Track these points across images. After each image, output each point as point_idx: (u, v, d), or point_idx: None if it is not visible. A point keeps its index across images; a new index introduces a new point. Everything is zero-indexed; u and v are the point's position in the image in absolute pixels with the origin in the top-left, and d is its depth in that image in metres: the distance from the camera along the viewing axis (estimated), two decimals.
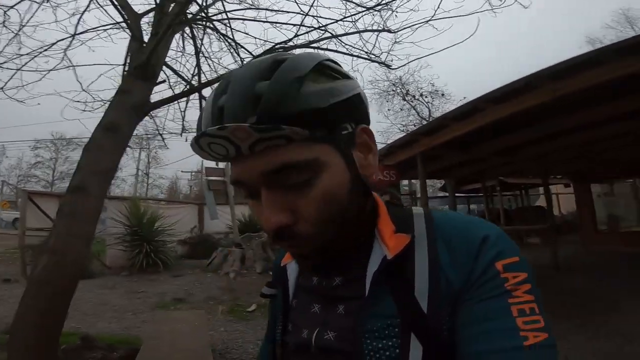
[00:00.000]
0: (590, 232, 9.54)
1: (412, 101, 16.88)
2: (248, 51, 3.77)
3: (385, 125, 18.70)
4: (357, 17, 3.29)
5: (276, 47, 3.24)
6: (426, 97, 16.79)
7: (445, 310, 0.44)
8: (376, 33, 3.51)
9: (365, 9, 3.18)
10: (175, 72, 3.83)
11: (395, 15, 3.75)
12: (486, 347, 0.40)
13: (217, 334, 4.10)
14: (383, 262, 0.47)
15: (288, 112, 0.40)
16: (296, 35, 3.15)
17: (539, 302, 0.42)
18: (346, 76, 0.48)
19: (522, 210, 13.58)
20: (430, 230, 0.49)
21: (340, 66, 0.49)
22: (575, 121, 4.52)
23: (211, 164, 9.05)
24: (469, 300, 0.43)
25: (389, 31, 3.51)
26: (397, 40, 3.64)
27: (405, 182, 12.46)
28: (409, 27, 3.33)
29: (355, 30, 3.38)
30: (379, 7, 3.24)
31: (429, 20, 3.21)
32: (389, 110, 17.75)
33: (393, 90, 16.60)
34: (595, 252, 8.46)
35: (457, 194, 14.89)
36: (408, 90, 16.60)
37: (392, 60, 3.73)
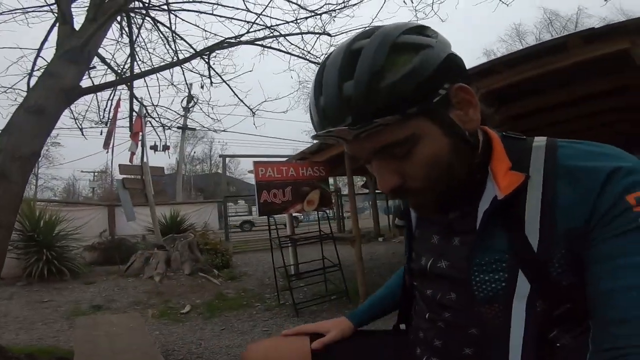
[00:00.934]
0: None
1: None
2: (188, 43, 3.69)
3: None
4: (300, 20, 3.50)
5: (224, 41, 3.25)
6: None
7: (558, 249, 0.44)
8: (317, 35, 3.76)
9: (311, 12, 3.39)
10: (103, 60, 3.55)
11: (333, 20, 4.05)
12: (620, 283, 0.39)
13: (153, 337, 3.86)
14: (494, 202, 0.49)
15: (377, 107, 0.44)
16: (248, 32, 3.21)
17: None
18: (426, 46, 0.47)
19: None
20: (550, 165, 0.47)
21: (418, 33, 0.49)
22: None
23: (125, 161, 8.31)
24: (599, 236, 0.42)
25: (328, 34, 3.78)
26: (334, 44, 3.94)
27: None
28: (345, 32, 3.65)
29: (299, 31, 3.57)
30: (322, 12, 3.48)
31: (366, 27, 3.57)
32: None
33: None
34: None
35: (377, 191, 16.01)
36: None
37: None
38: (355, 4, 3.39)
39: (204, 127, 5.75)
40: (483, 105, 0.55)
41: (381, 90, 0.44)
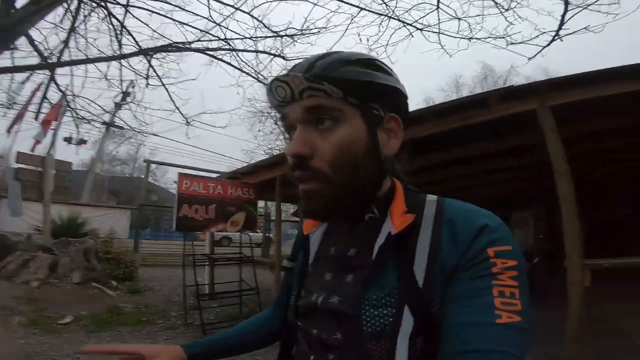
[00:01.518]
0: None
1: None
2: (135, 40, 3.47)
3: (253, 145, 18.41)
4: (258, 38, 3.56)
5: (172, 45, 3.14)
6: None
7: (439, 286, 0.49)
8: (271, 57, 3.83)
9: (274, 33, 3.46)
10: (32, 42, 3.17)
11: (294, 44, 4.16)
12: (465, 319, 0.45)
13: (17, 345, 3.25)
14: (388, 237, 0.54)
15: (329, 76, 0.53)
16: (199, 40, 3.15)
17: (522, 290, 0.46)
18: (388, 72, 0.58)
19: None
20: (439, 214, 0.54)
21: (388, 67, 0.60)
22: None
23: (25, 149, 7.31)
24: (459, 278, 0.48)
25: (283, 58, 3.87)
26: (287, 67, 4.03)
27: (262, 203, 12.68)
28: (302, 58, 3.78)
29: (255, 49, 3.61)
30: (285, 34, 3.57)
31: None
32: (259, 131, 17.62)
33: (268, 113, 16.30)
34: None
35: None
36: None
37: None
38: (317, 31, 3.54)
39: (131, 127, 5.32)
40: (401, 156, 0.64)
41: (341, 70, 0.54)
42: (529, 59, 3.93)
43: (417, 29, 3.90)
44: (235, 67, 3.76)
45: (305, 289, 0.63)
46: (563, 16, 3.35)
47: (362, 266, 0.55)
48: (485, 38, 3.87)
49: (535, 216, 10.32)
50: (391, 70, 0.60)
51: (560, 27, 3.54)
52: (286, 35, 3.64)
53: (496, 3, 3.56)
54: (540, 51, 3.90)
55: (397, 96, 0.59)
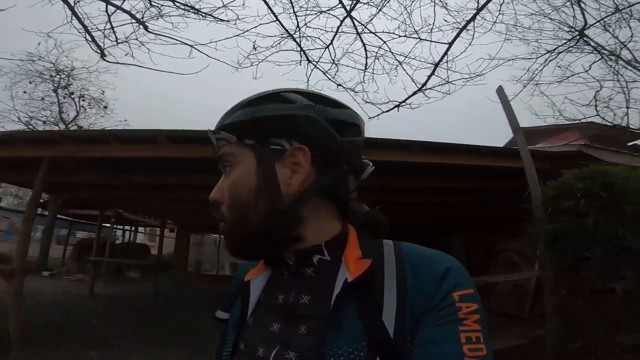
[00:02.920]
0: (183, 271, 11.34)
1: (63, 96, 12.95)
2: None
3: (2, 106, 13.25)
4: None
5: None
6: (84, 100, 13.45)
7: (409, 334, 0.47)
8: None
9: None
10: None
11: None
12: None
13: None
14: (344, 284, 0.50)
15: (226, 124, 0.58)
16: None
17: (484, 332, 0.47)
18: (289, 101, 0.56)
19: (126, 246, 13.55)
20: (399, 258, 0.53)
21: (296, 92, 0.58)
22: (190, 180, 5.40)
23: None
24: (426, 324, 0.47)
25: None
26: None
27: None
28: None
29: None
30: None
31: None
32: (24, 92, 12.48)
33: (51, 76, 12.24)
34: (185, 288, 9.89)
35: (59, 215, 12.66)
36: (70, 84, 12.78)
37: None
38: None
39: None
40: (356, 201, 0.62)
41: (234, 115, 0.57)
42: (370, 118, 4.51)
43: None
44: None
45: (245, 342, 0.56)
46: (410, 96, 4.09)
47: (318, 316, 0.51)
48: (347, 88, 4.16)
49: None
50: (304, 97, 0.58)
51: (401, 102, 4.28)
52: None
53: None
54: (378, 115, 4.54)
55: (302, 126, 0.55)
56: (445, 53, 3.37)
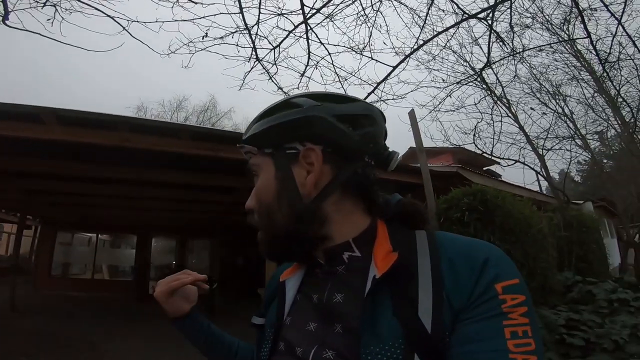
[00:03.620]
0: (45, 275, 9.50)
1: None
2: None
3: None
4: None
5: None
6: None
7: (448, 330, 0.45)
8: None
9: None
10: None
11: None
12: None
13: None
14: (373, 281, 0.49)
15: (246, 138, 0.62)
16: None
17: (533, 325, 0.43)
18: (296, 105, 0.58)
19: None
20: (433, 249, 0.51)
21: (307, 96, 0.59)
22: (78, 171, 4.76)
23: None
24: (466, 320, 0.45)
25: None
26: None
27: None
28: None
29: None
30: None
31: None
32: None
33: None
34: (48, 294, 8.41)
35: None
36: None
37: None
38: None
39: None
40: (381, 194, 0.60)
41: (252, 128, 0.61)
42: None
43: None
44: None
45: (284, 341, 0.55)
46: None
47: (352, 314, 0.50)
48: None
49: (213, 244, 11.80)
50: (310, 99, 0.58)
51: None
52: None
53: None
54: None
55: (312, 127, 0.56)
56: (388, 75, 3.70)
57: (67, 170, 4.67)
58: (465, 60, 6.32)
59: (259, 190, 0.59)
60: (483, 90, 5.87)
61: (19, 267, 11.06)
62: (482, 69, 4.16)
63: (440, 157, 9.51)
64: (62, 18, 2.23)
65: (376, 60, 3.64)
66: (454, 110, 6.33)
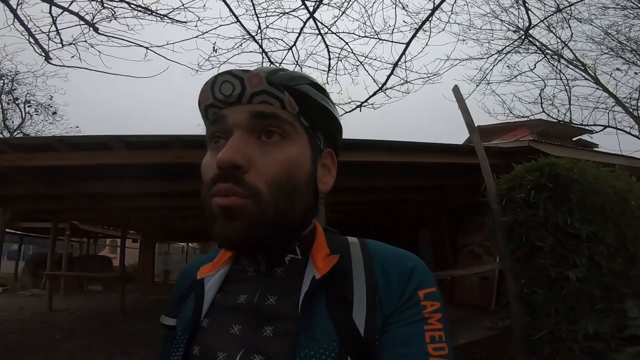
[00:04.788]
0: (150, 283, 10.85)
1: (7, 102, 12.03)
2: None
3: None
4: None
5: None
6: (30, 106, 12.54)
7: (378, 333, 0.46)
8: None
9: None
10: None
11: None
12: None
13: None
14: (312, 282, 0.48)
15: (290, 86, 0.50)
16: None
17: (446, 330, 0.47)
18: (329, 99, 0.56)
19: (86, 258, 12.81)
20: (367, 256, 0.52)
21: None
22: (151, 188, 5.26)
23: None
24: (394, 324, 0.47)
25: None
26: None
27: None
28: None
29: None
30: None
31: None
32: None
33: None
34: (152, 300, 9.44)
35: (7, 229, 11.72)
36: (15, 89, 11.82)
37: None
38: None
39: None
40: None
41: (300, 84, 0.51)
42: None
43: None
44: None
45: (200, 345, 0.50)
46: (372, 95, 4.13)
47: (286, 317, 0.48)
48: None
49: None
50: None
51: (363, 102, 4.31)
52: None
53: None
54: (341, 115, 4.47)
55: (338, 132, 0.59)
56: (403, 52, 3.45)
57: (154, 188, 5.19)
58: (510, 24, 5.49)
59: (293, 161, 0.48)
60: (537, 55, 5.07)
61: (128, 276, 12.92)
62: (527, 29, 3.57)
63: (515, 132, 8.46)
64: (99, 52, 2.48)
65: (390, 42, 3.36)
66: (508, 81, 5.58)
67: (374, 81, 4.08)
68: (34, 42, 3.18)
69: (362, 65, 3.66)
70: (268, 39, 3.38)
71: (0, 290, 9.51)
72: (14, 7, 3.00)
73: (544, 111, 5.28)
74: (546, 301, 2.54)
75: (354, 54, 3.55)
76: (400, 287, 0.48)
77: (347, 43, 3.47)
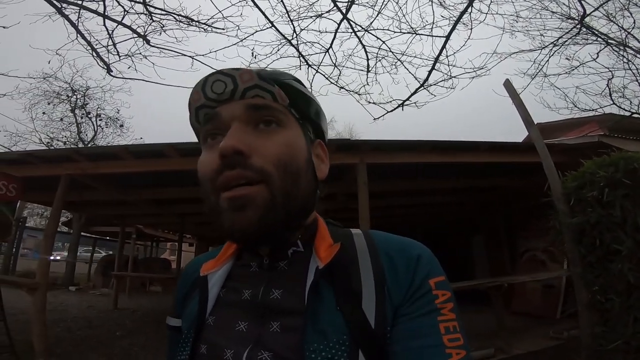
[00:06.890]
0: None
1: (81, 116, 13.29)
2: None
3: (23, 128, 14.00)
4: None
5: None
6: (101, 119, 13.75)
7: (389, 325, 0.45)
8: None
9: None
10: None
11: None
12: None
13: None
14: (316, 273, 0.47)
15: (280, 80, 0.52)
16: None
17: (459, 321, 0.46)
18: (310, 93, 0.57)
19: (148, 260, 13.80)
20: (371, 246, 0.51)
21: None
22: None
23: None
24: (405, 315, 0.45)
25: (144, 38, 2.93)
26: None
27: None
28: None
29: None
30: None
31: None
32: (43, 113, 12.82)
33: (68, 96, 12.47)
34: None
35: (83, 233, 13.00)
36: (87, 104, 13.06)
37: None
38: None
39: None
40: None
41: (287, 78, 0.53)
42: (375, 119, 4.44)
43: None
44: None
45: (207, 344, 0.50)
46: (413, 93, 4.03)
47: (292, 311, 0.47)
48: (350, 91, 4.16)
49: None
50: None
51: (405, 100, 4.21)
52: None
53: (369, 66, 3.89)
54: (383, 115, 4.44)
55: (324, 124, 0.60)
56: (444, 46, 3.29)
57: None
58: (562, 14, 4.97)
59: (291, 145, 0.49)
60: (598, 44, 4.54)
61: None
62: (582, 17, 3.22)
63: (582, 128, 7.71)
64: (153, 63, 2.65)
65: (428, 35, 3.20)
66: (568, 72, 5.06)
67: (415, 79, 3.93)
68: (95, 55, 3.49)
69: (402, 63, 3.55)
70: (304, 42, 3.41)
71: (74, 290, 10.38)
72: (74, 22, 3.30)
73: (614, 103, 4.73)
74: (623, 309, 2.30)
75: (392, 52, 3.46)
76: (408, 276, 0.47)
77: (384, 42, 3.39)
